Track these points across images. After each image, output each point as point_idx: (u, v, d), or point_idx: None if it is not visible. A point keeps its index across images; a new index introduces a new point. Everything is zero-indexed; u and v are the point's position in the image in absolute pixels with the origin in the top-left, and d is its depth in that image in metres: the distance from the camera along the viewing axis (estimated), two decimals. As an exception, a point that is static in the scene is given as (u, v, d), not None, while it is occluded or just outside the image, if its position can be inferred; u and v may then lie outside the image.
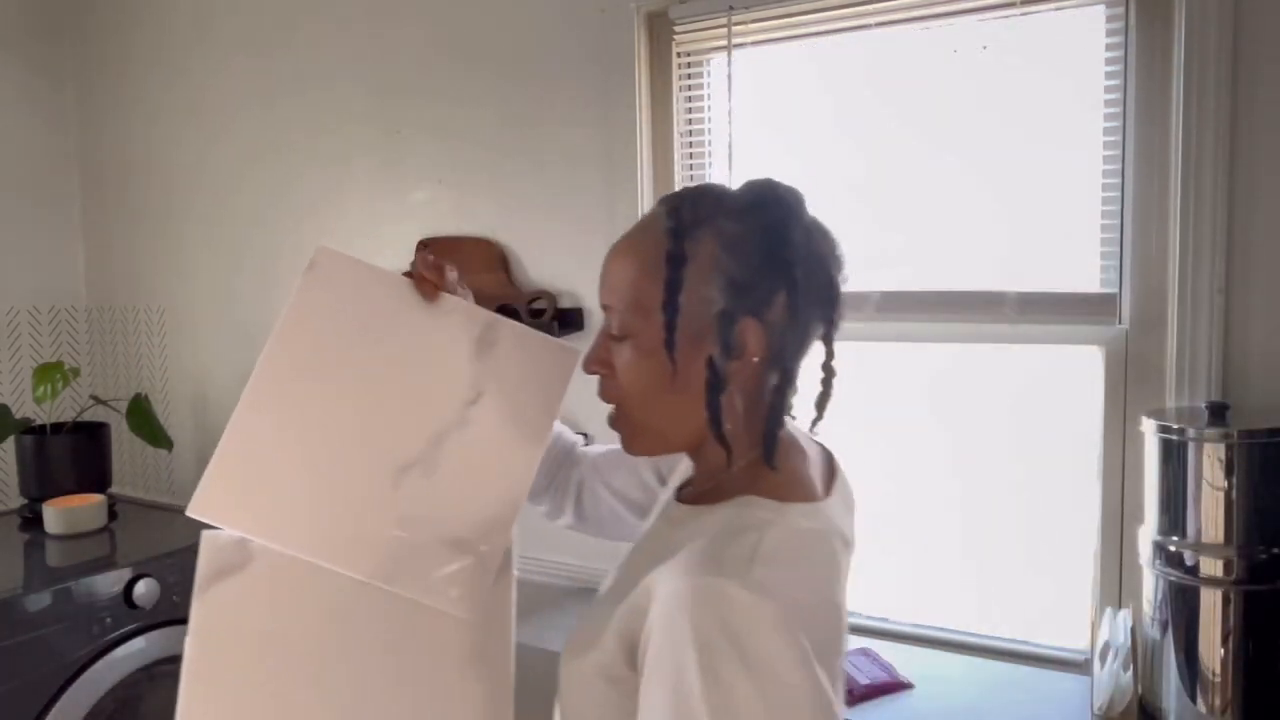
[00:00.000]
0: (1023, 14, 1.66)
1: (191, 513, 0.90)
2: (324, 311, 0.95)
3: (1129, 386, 1.62)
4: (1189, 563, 1.33)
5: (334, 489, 0.94)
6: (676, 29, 1.93)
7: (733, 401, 0.86)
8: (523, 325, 1.02)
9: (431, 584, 0.92)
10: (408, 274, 1.00)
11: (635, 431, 0.91)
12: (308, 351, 0.94)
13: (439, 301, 0.99)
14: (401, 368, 0.97)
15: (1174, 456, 1.35)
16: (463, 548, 0.93)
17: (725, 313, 0.83)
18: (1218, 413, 1.35)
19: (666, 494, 1.04)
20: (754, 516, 0.82)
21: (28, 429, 2.44)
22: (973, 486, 1.79)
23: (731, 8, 1.84)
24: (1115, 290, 1.61)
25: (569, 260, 2.04)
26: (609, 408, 0.93)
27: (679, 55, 1.96)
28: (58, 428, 2.45)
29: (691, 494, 0.93)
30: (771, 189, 0.87)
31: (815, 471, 0.93)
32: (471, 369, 0.98)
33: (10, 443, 2.52)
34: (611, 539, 1.19)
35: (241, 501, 0.92)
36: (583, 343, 0.95)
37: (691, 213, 0.85)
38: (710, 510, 0.86)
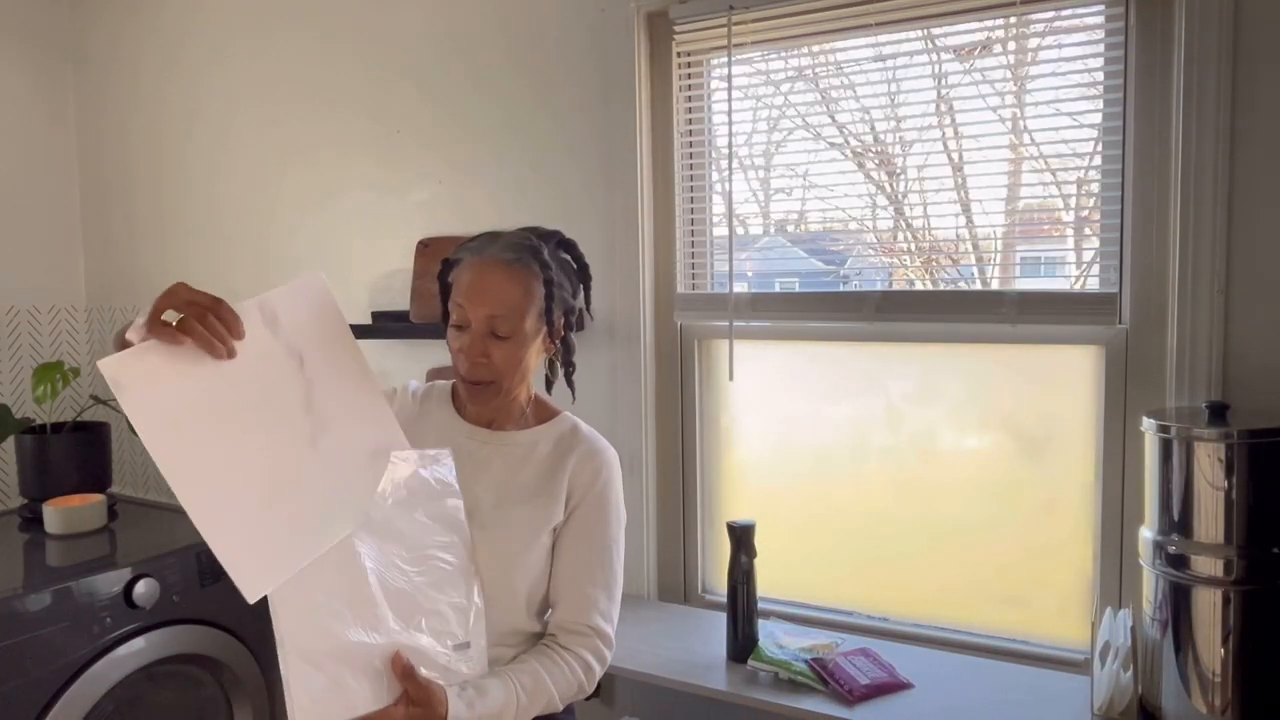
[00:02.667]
0: (1022, 14, 1.66)
1: (253, 599, 1.05)
2: (160, 400, 1.05)
3: (1129, 386, 1.62)
4: (1189, 563, 1.34)
5: (292, 494, 1.11)
6: (676, 29, 1.93)
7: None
8: (271, 291, 1.18)
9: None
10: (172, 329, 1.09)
11: (502, 393, 1.30)
12: (183, 435, 1.05)
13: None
14: (246, 382, 1.11)
15: (1174, 456, 1.35)
16: (380, 457, 1.20)
17: (567, 320, 1.34)
18: (1218, 413, 1.35)
19: (457, 432, 1.36)
20: (575, 420, 1.40)
21: (28, 429, 2.44)
22: (971, 486, 1.79)
23: (731, 8, 1.84)
24: (1115, 290, 1.61)
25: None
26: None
27: (679, 55, 1.96)
28: (58, 428, 2.46)
29: (498, 425, 1.36)
30: (563, 235, 1.36)
31: None
32: (280, 345, 1.15)
33: (10, 443, 2.52)
34: None
35: (268, 563, 1.07)
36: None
37: (547, 254, 1.30)
38: (550, 423, 1.37)
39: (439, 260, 1.41)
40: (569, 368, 1.37)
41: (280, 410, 1.13)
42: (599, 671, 1.31)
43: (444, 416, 1.39)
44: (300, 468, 1.13)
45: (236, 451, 1.08)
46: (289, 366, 1.15)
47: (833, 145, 1.88)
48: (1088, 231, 1.69)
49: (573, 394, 1.38)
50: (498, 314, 1.25)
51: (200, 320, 1.08)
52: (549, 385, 1.43)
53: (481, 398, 1.30)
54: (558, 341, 1.34)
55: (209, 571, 2.15)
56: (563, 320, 1.32)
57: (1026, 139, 1.70)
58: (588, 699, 1.42)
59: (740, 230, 1.99)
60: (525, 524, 1.31)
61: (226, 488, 1.07)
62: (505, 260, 1.27)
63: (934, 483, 1.82)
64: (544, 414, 1.40)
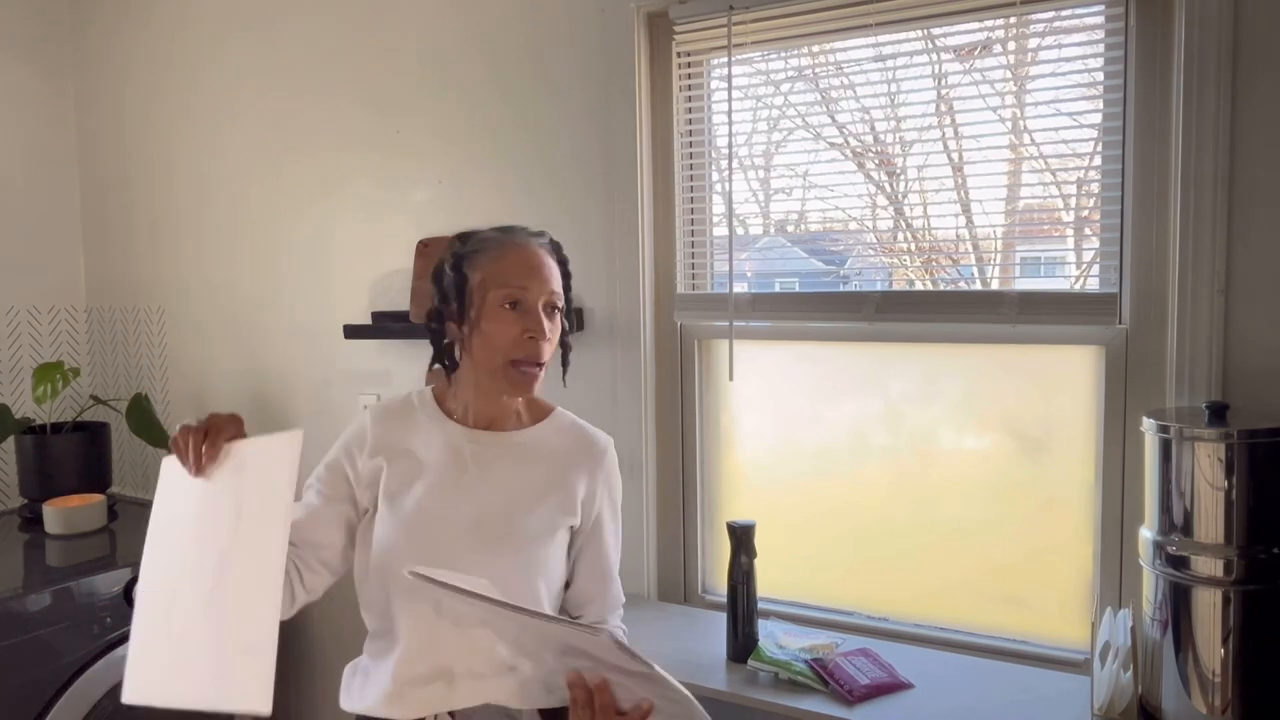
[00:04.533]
0: (1022, 14, 1.66)
1: (127, 700, 1.15)
2: (164, 500, 1.21)
3: (1129, 386, 1.62)
4: (1189, 563, 1.34)
5: (184, 640, 1.16)
6: (676, 29, 1.93)
7: None
8: (256, 437, 1.20)
9: (239, 696, 1.12)
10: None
11: (541, 377, 1.31)
12: (157, 534, 1.22)
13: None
14: (199, 511, 1.19)
15: (1174, 456, 1.35)
16: (253, 650, 1.12)
17: (570, 299, 1.39)
18: (1218, 413, 1.35)
19: (457, 438, 1.35)
20: (570, 414, 1.44)
21: (28, 429, 2.44)
22: (971, 486, 1.79)
23: (731, 8, 1.84)
24: (1115, 290, 1.61)
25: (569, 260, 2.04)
26: None
27: (679, 55, 1.96)
28: (58, 428, 2.46)
29: (498, 426, 1.36)
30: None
31: None
32: (234, 494, 1.17)
33: (10, 443, 2.52)
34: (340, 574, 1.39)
35: (157, 679, 1.15)
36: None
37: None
38: (550, 420, 1.40)
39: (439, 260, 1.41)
40: (566, 349, 1.41)
41: (200, 555, 1.18)
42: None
43: (438, 424, 1.36)
44: (192, 606, 1.17)
45: (168, 565, 1.20)
46: (226, 518, 1.17)
47: (833, 145, 1.88)
48: (1088, 231, 1.69)
49: (564, 378, 1.43)
50: (555, 290, 1.31)
51: (188, 438, 1.17)
52: None
53: (531, 383, 1.30)
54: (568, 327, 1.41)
55: (209, 571, 2.15)
56: (569, 303, 1.41)
57: (1026, 139, 1.70)
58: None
59: (740, 230, 1.99)
60: (540, 526, 1.33)
61: (157, 592, 1.19)
62: (541, 244, 1.34)
63: (934, 483, 1.82)
64: (539, 412, 1.43)
